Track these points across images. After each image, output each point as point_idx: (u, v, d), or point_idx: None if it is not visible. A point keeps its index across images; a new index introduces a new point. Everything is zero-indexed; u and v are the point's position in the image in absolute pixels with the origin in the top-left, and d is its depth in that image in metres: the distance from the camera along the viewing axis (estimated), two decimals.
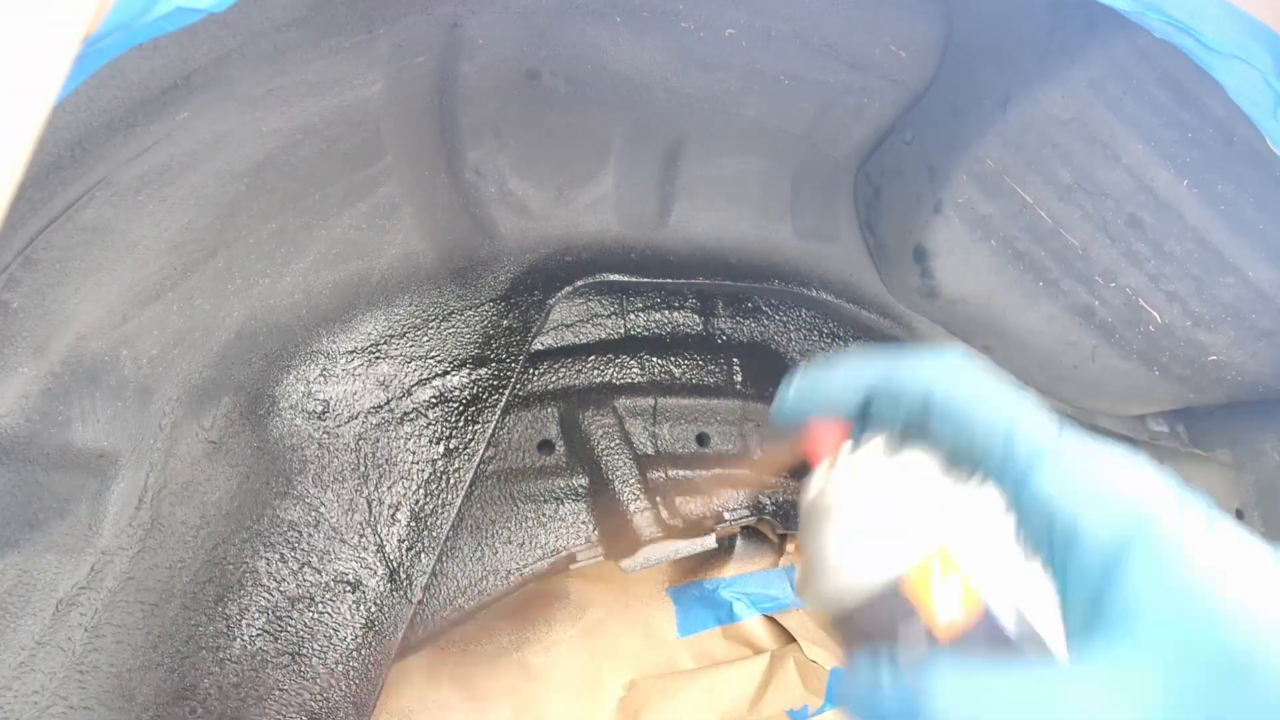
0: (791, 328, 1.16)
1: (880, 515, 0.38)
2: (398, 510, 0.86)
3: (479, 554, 0.93)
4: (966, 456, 0.37)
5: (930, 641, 0.35)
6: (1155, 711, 0.30)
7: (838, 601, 0.38)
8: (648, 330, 1.06)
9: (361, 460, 0.85)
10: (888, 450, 0.40)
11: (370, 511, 0.85)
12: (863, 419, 0.41)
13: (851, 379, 0.40)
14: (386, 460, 0.86)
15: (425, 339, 0.89)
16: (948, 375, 0.37)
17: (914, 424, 0.38)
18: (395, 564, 0.85)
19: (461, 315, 0.91)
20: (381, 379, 0.87)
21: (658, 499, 0.98)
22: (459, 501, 0.88)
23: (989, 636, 0.35)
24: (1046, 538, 0.34)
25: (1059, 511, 0.33)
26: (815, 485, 0.41)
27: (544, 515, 0.96)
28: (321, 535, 0.83)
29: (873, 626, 0.37)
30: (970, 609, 0.35)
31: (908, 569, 0.36)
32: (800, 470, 0.43)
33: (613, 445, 0.97)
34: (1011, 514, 0.36)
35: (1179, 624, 0.30)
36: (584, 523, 0.97)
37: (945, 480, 0.38)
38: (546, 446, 0.98)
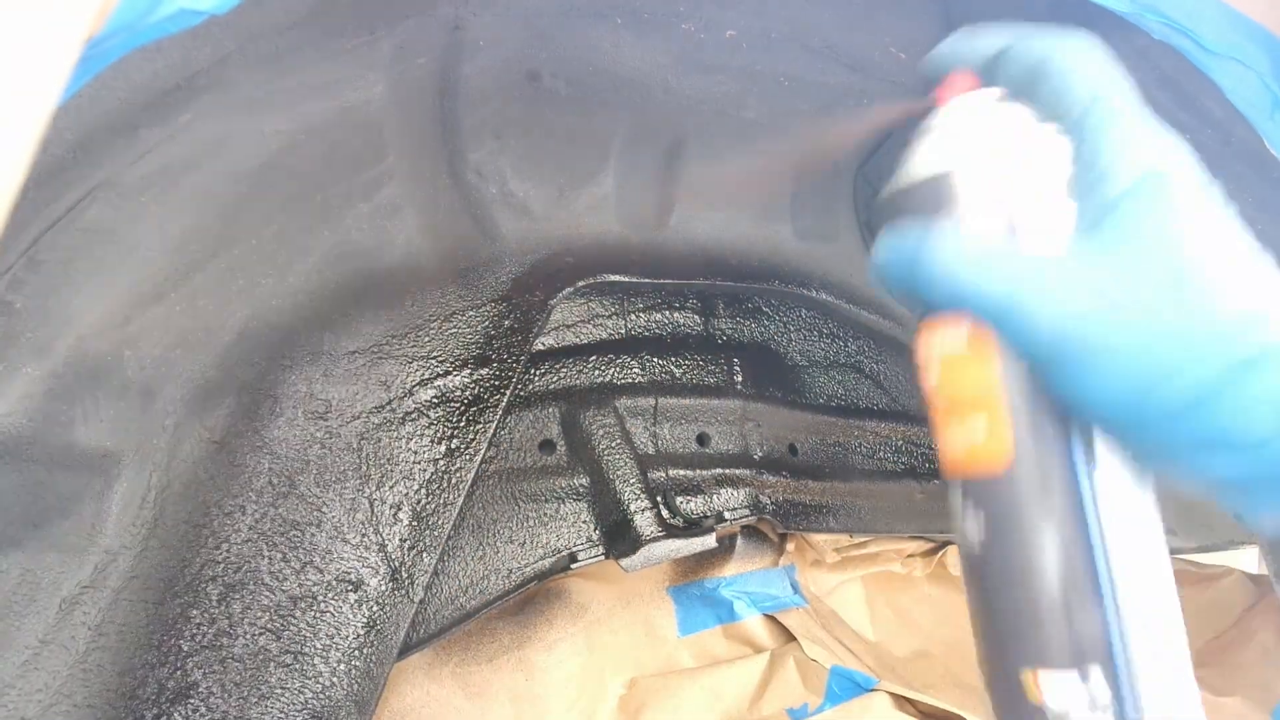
0: (791, 328, 1.16)
1: (963, 126, 0.46)
2: (400, 510, 0.86)
3: (481, 553, 0.93)
4: (1058, 113, 0.43)
5: (955, 229, 0.43)
6: (1106, 286, 0.38)
7: (900, 179, 0.46)
8: (648, 330, 1.06)
9: (363, 460, 0.85)
10: (999, 98, 0.46)
11: (372, 511, 0.85)
12: (992, 79, 0.48)
13: (994, 33, 0.48)
14: (388, 460, 0.86)
15: (427, 339, 0.89)
16: (1069, 47, 0.44)
17: (1028, 83, 0.45)
18: (397, 563, 0.85)
19: (463, 315, 0.91)
20: (383, 379, 0.87)
21: (658, 498, 0.98)
22: (461, 501, 0.88)
23: (1007, 239, 0.42)
24: (1088, 181, 0.41)
25: (1102, 161, 0.40)
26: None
27: (545, 514, 0.96)
28: (324, 535, 0.83)
29: (918, 204, 0.45)
30: (997, 217, 0.43)
31: (961, 168, 0.44)
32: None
33: (613, 445, 0.97)
34: (1072, 166, 0.42)
35: (1153, 240, 0.38)
36: (585, 522, 0.98)
37: (1033, 124, 0.44)
38: (548, 446, 0.99)
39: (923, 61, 0.50)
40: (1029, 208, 0.42)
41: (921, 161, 0.46)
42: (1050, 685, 0.39)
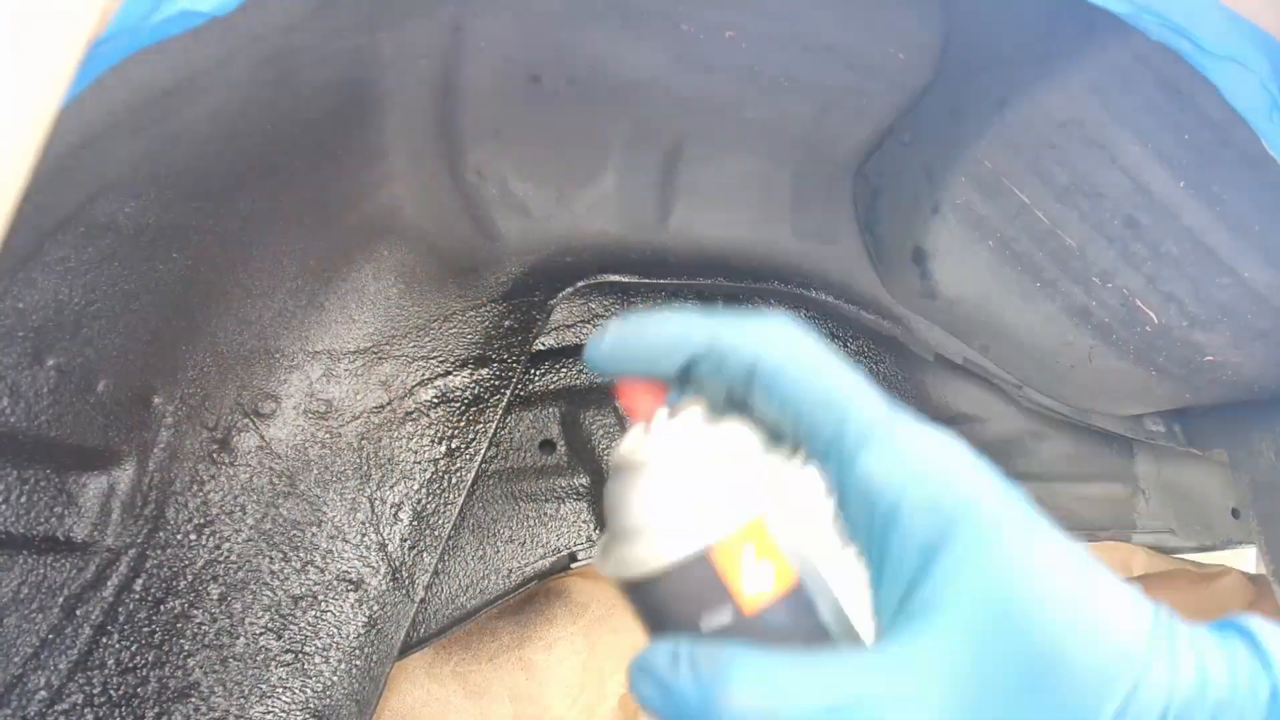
0: None
1: (694, 479, 0.35)
2: (400, 509, 0.86)
3: (481, 553, 0.94)
4: (791, 432, 0.35)
5: (736, 619, 0.33)
6: (950, 703, 0.30)
7: (640, 567, 0.35)
8: None
9: (364, 460, 0.85)
10: (707, 419, 0.37)
11: (373, 511, 0.85)
12: (683, 382, 0.37)
13: (674, 338, 0.36)
14: (389, 460, 0.86)
15: (427, 339, 0.90)
16: (777, 344, 0.35)
17: (737, 394, 0.36)
18: (398, 563, 0.85)
19: (463, 316, 0.91)
20: (384, 379, 0.87)
21: None
22: (461, 500, 0.88)
23: (798, 614, 0.33)
24: (866, 521, 0.33)
25: (882, 495, 0.32)
26: (628, 442, 0.38)
27: (545, 514, 0.97)
28: (324, 534, 0.83)
29: (675, 599, 0.34)
30: (781, 583, 0.33)
31: (719, 537, 0.33)
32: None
33: (613, 444, 0.98)
34: (833, 497, 0.34)
35: (986, 618, 0.30)
36: (585, 521, 0.98)
37: (765, 455, 0.36)
38: (548, 446, 0.99)
39: (586, 358, 0.39)
40: (823, 578, 0.33)
41: (660, 535, 0.34)
42: None
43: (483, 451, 0.90)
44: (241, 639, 0.79)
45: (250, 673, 0.79)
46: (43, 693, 0.69)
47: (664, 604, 0.35)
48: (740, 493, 0.34)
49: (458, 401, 0.90)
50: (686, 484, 0.35)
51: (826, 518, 0.34)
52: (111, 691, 0.73)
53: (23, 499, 0.69)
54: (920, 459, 0.32)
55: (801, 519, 0.34)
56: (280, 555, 0.81)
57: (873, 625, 0.33)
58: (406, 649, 0.87)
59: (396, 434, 0.87)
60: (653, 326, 0.37)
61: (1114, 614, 0.31)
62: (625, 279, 1.00)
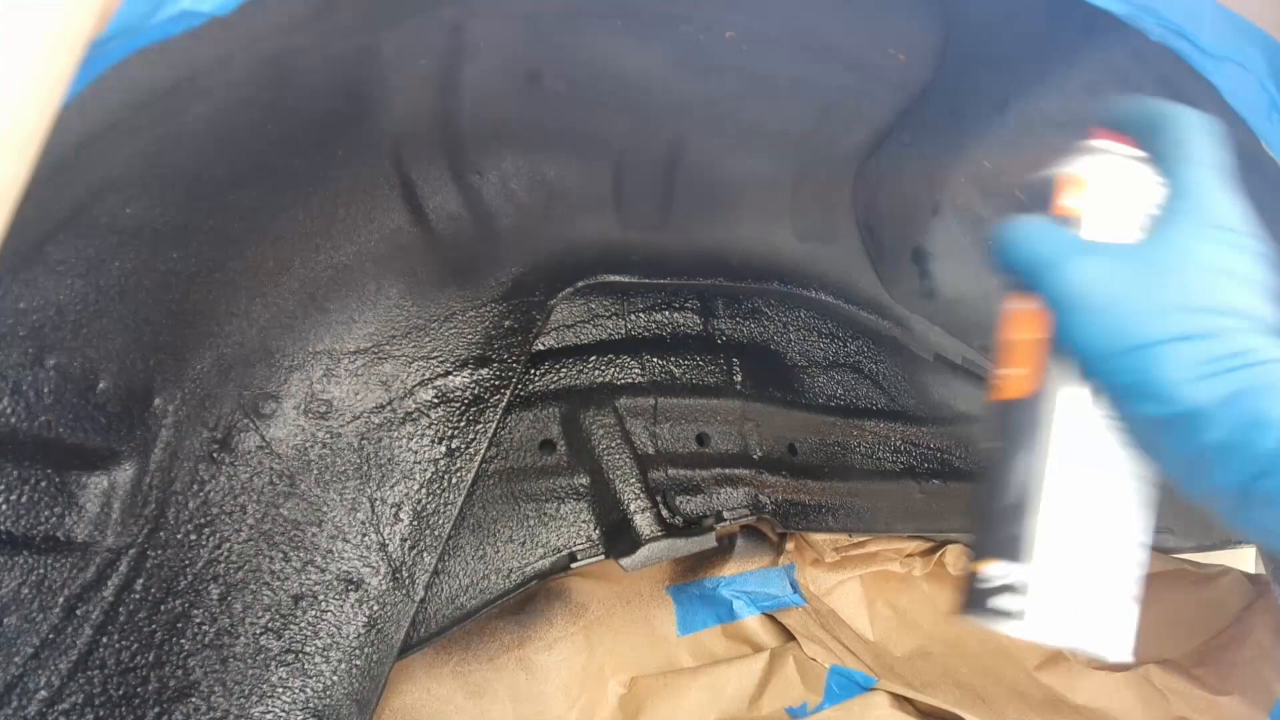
0: (791, 328, 1.16)
1: (1101, 157, 0.57)
2: (400, 509, 0.86)
3: (481, 552, 0.94)
4: (1158, 149, 0.56)
5: (1049, 215, 0.57)
6: (1122, 267, 0.51)
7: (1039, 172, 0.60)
8: (648, 331, 1.06)
9: (364, 460, 0.86)
10: (1137, 158, 0.57)
11: (373, 511, 0.85)
12: (1137, 134, 0.58)
13: (1138, 103, 0.59)
14: (389, 460, 0.87)
15: (427, 339, 0.90)
16: (1183, 111, 0.56)
17: (1150, 136, 0.56)
18: (398, 563, 0.85)
19: (464, 316, 0.91)
20: (384, 379, 0.87)
21: (658, 498, 0.98)
22: (461, 500, 0.89)
23: (1075, 231, 0.56)
24: (1171, 195, 0.54)
25: (1184, 173, 0.53)
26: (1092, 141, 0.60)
27: (545, 514, 0.97)
28: (325, 534, 0.83)
29: (1037, 190, 0.59)
30: (1084, 206, 0.56)
31: (1070, 170, 0.57)
32: None
33: (613, 445, 0.98)
34: (1162, 190, 0.55)
35: (1170, 246, 0.51)
36: (585, 521, 0.98)
37: (1138, 161, 0.56)
38: (548, 446, 0.99)
39: (1104, 109, 0.61)
40: (1106, 215, 0.55)
41: (1060, 163, 0.59)
42: (988, 566, 0.55)
43: (483, 451, 0.90)
44: (242, 639, 0.79)
45: (250, 673, 0.79)
46: (43, 693, 0.70)
47: (1030, 192, 0.60)
48: (1101, 162, 0.57)
49: (458, 401, 0.90)
50: (1097, 160, 0.58)
51: (1148, 198, 0.55)
52: (112, 691, 0.73)
53: (23, 499, 0.69)
54: (1214, 173, 0.54)
55: (1126, 188, 0.56)
56: (280, 555, 0.81)
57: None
58: (406, 649, 0.87)
59: (397, 434, 0.87)
60: (1124, 97, 0.61)
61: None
62: (625, 279, 1.01)
